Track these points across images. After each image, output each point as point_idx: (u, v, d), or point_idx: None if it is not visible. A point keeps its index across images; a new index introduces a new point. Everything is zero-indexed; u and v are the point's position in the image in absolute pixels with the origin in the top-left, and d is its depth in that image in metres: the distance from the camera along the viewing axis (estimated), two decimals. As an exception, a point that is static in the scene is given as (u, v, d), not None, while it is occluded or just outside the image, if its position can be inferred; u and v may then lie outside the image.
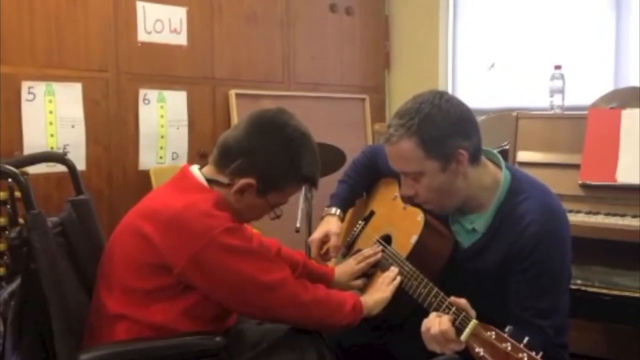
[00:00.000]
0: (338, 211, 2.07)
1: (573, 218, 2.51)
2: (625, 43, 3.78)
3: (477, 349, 1.36)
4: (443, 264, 1.77)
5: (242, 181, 1.62)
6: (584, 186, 2.60)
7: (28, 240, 1.55)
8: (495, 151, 1.81)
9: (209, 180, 1.65)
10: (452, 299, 1.51)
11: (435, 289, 1.63)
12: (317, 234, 2.02)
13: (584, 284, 2.37)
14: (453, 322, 1.45)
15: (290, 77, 4.03)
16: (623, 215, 2.48)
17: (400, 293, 1.76)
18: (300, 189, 1.76)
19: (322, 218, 2.09)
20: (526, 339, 1.32)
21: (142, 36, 3.30)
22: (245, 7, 3.75)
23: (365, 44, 4.46)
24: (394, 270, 1.80)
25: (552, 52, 3.86)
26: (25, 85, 2.89)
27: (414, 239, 1.78)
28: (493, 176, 1.73)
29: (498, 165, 1.76)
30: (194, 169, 1.69)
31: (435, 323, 1.47)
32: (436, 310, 1.56)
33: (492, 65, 4.17)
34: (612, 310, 2.38)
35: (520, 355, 1.29)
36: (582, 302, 2.34)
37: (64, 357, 1.51)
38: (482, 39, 4.30)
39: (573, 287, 2.36)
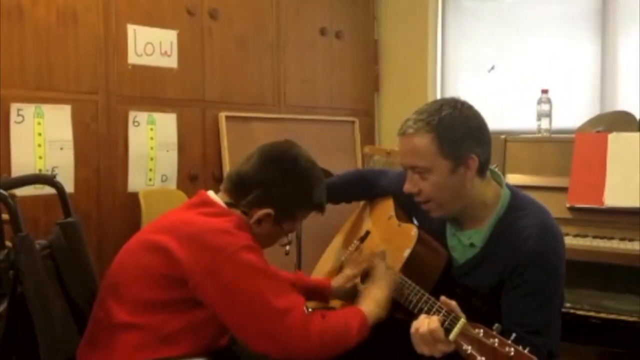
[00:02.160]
0: None
1: (561, 241, 2.52)
2: (612, 67, 3.83)
3: (464, 347, 1.36)
4: (436, 279, 1.77)
5: (261, 212, 1.67)
6: (572, 209, 2.61)
7: (15, 263, 1.53)
8: (497, 170, 1.84)
9: (228, 204, 1.69)
10: (443, 299, 1.52)
11: (426, 295, 1.63)
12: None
13: (573, 307, 2.37)
14: (442, 323, 1.45)
15: (280, 100, 4.04)
16: (611, 238, 2.50)
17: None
18: (312, 213, 1.78)
19: None
20: (513, 335, 1.32)
21: (132, 59, 3.31)
22: (235, 30, 3.77)
23: (355, 68, 4.49)
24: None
25: (539, 76, 3.91)
26: (14, 107, 2.89)
27: (407, 252, 1.80)
28: (494, 192, 1.76)
29: (499, 184, 1.79)
30: (212, 193, 1.74)
31: (424, 323, 1.48)
32: (427, 313, 1.56)
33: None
34: (601, 333, 2.38)
35: (507, 349, 1.29)
36: (571, 325, 2.34)
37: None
38: (471, 62, 4.34)
39: (562, 310, 2.36)
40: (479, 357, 1.33)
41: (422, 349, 1.49)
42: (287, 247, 1.79)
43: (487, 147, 1.73)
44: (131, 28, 3.30)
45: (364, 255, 1.98)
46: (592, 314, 2.36)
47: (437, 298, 1.65)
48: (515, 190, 1.81)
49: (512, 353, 1.28)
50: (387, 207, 2.04)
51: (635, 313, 2.27)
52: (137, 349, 1.56)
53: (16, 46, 2.91)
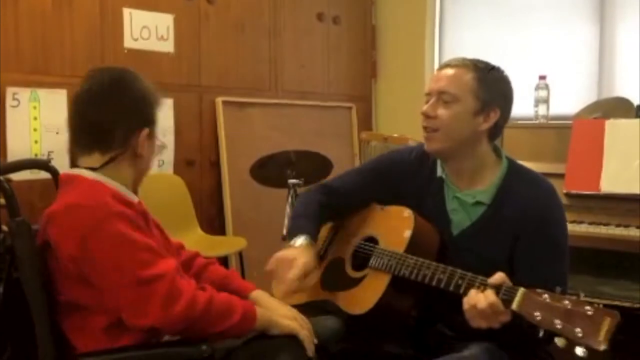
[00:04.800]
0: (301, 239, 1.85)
1: (558, 227, 2.53)
2: (609, 54, 3.82)
3: (534, 314, 1.34)
4: (436, 252, 1.77)
5: (141, 137, 1.61)
6: (569, 195, 2.61)
7: (11, 248, 1.53)
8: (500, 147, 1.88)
9: (99, 168, 1.58)
10: (489, 280, 1.50)
11: (458, 271, 1.59)
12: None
13: (569, 293, 2.38)
14: (497, 295, 1.45)
15: (277, 85, 4.03)
16: (607, 224, 2.50)
17: (403, 287, 1.72)
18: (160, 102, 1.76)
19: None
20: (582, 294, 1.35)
21: (128, 43, 3.29)
22: (232, 15, 3.75)
23: (352, 53, 4.48)
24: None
25: (537, 62, 3.90)
26: (9, 91, 2.87)
27: (407, 233, 1.77)
28: (495, 158, 1.81)
29: (499, 157, 1.84)
30: (77, 171, 1.60)
31: (481, 298, 1.46)
32: (468, 288, 1.53)
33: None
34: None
35: (585, 308, 1.28)
36: (567, 310, 2.35)
37: (47, 366, 1.49)
38: (468, 48, 4.33)
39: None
40: (554, 321, 1.31)
41: (480, 323, 1.48)
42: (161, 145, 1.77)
43: (508, 114, 1.79)
44: (127, 12, 3.28)
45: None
46: (587, 299, 2.37)
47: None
48: (513, 160, 1.86)
49: (591, 310, 1.27)
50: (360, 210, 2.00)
51: (631, 299, 2.28)
52: (104, 332, 1.52)
53: (12, 30, 2.89)
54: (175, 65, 3.49)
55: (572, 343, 1.30)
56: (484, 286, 1.50)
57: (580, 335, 1.28)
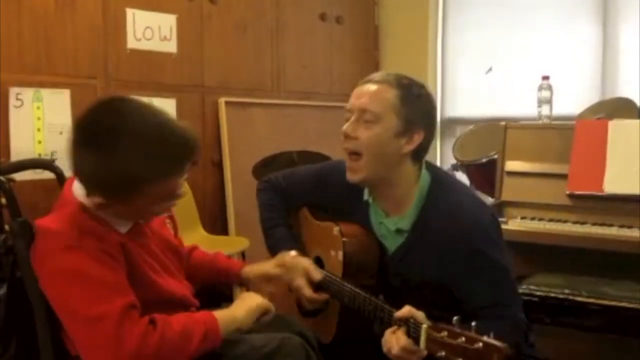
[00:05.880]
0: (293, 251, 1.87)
1: (561, 228, 2.52)
2: (613, 54, 3.81)
3: (438, 352, 1.35)
4: (376, 265, 1.74)
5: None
6: (572, 196, 2.61)
7: (13, 248, 1.53)
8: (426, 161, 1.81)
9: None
10: (396, 314, 1.48)
11: (379, 303, 1.58)
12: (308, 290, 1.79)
13: (572, 293, 2.37)
14: (408, 334, 1.43)
15: (280, 86, 4.03)
16: (610, 225, 2.49)
17: (353, 314, 1.71)
18: (187, 166, 1.49)
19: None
20: (473, 323, 1.30)
21: (131, 43, 3.29)
22: (235, 15, 3.75)
23: (355, 53, 4.47)
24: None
25: (540, 62, 3.89)
26: (13, 91, 2.87)
27: (340, 255, 1.75)
28: (415, 177, 1.73)
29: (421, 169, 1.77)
30: (77, 187, 1.49)
31: (393, 341, 1.45)
32: (387, 324, 1.52)
33: (490, 69, 4.18)
34: (600, 320, 2.39)
35: (475, 345, 1.28)
36: (569, 311, 2.35)
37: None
38: (471, 49, 4.32)
39: (561, 296, 2.37)
40: (456, 359, 1.32)
41: None
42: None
43: (432, 135, 1.72)
44: (130, 12, 3.28)
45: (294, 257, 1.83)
46: (590, 300, 2.36)
47: (379, 292, 1.62)
48: (436, 172, 1.78)
49: (481, 346, 1.28)
50: (303, 211, 2.00)
51: (634, 299, 2.28)
52: None
53: (15, 30, 2.89)
54: (178, 65, 3.49)
55: None
56: (398, 323, 1.46)
57: None
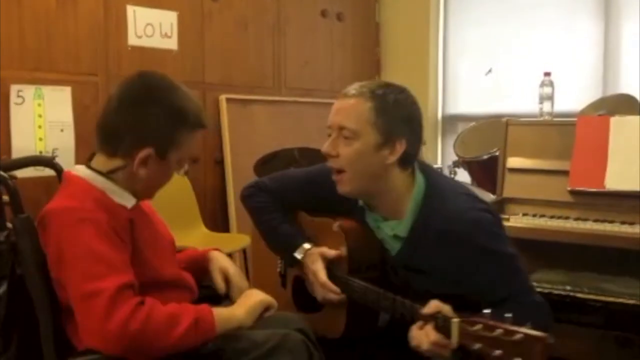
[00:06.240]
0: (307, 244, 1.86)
1: (562, 224, 2.52)
2: (614, 50, 3.81)
3: (473, 347, 1.34)
4: (380, 254, 1.73)
5: (140, 155, 1.54)
6: (573, 193, 2.60)
7: (16, 244, 1.53)
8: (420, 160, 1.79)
9: (105, 173, 1.57)
10: (423, 311, 1.47)
11: (398, 298, 1.57)
12: (322, 274, 1.77)
13: (573, 290, 2.37)
14: (437, 328, 1.42)
15: (280, 82, 4.03)
16: (612, 222, 2.49)
17: (362, 309, 1.70)
18: (196, 133, 1.64)
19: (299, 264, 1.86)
20: (507, 315, 1.30)
21: (132, 40, 3.29)
22: (236, 12, 3.75)
23: (356, 50, 4.47)
24: None
25: (541, 59, 3.88)
26: (14, 88, 2.87)
27: (343, 250, 1.74)
28: (410, 182, 1.72)
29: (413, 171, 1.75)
30: (78, 169, 1.60)
31: (422, 337, 1.44)
32: (411, 319, 1.51)
33: (490, 71, 4.18)
34: (601, 316, 2.39)
35: (515, 337, 1.27)
36: (571, 308, 2.35)
37: (51, 361, 1.49)
38: (472, 46, 4.32)
39: (562, 292, 2.37)
40: (493, 351, 1.31)
41: (430, 355, 1.47)
42: (183, 172, 1.68)
43: (417, 139, 1.69)
44: (131, 9, 3.28)
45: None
46: (591, 296, 2.36)
47: (388, 290, 1.60)
48: (430, 174, 1.76)
49: (521, 337, 1.27)
50: (296, 212, 1.97)
51: (635, 296, 2.28)
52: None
53: (16, 27, 2.89)
54: (179, 62, 3.49)
55: None
56: (422, 319, 1.46)
57: None
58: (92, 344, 1.40)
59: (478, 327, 1.33)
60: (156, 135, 1.55)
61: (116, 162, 1.56)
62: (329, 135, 1.71)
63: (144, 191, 1.62)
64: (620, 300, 2.33)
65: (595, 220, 2.51)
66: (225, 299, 1.74)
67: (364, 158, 1.64)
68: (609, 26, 3.83)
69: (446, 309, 1.44)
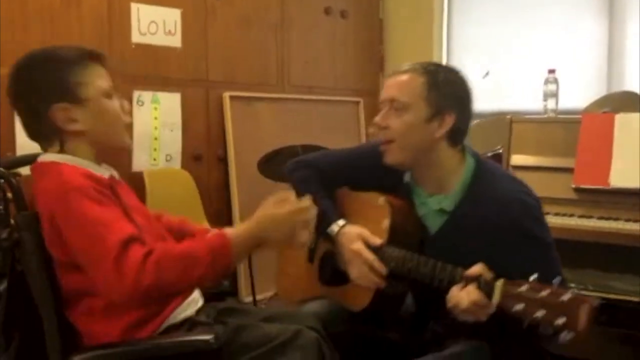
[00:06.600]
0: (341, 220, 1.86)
1: (567, 222, 2.52)
2: (619, 47, 3.79)
3: (516, 307, 1.35)
4: (419, 240, 1.74)
5: (58, 115, 1.55)
6: (578, 190, 2.60)
7: (18, 241, 1.53)
8: (468, 144, 1.82)
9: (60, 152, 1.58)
10: (467, 272, 1.51)
11: (440, 263, 1.60)
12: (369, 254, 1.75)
13: (577, 287, 2.37)
14: (479, 288, 1.46)
15: (284, 80, 4.03)
16: (616, 219, 2.49)
17: (389, 292, 1.71)
18: (91, 64, 1.64)
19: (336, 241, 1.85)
20: (555, 280, 1.33)
21: (136, 37, 3.29)
22: (239, 9, 3.75)
23: (360, 48, 4.46)
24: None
25: (545, 56, 3.87)
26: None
27: (386, 223, 1.74)
28: (459, 161, 1.76)
29: (465, 155, 1.78)
30: (46, 156, 1.60)
31: (463, 296, 1.47)
32: (450, 283, 1.54)
33: (487, 74, 4.18)
34: (606, 313, 2.38)
35: (562, 298, 1.28)
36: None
37: (55, 358, 1.49)
38: (476, 43, 4.31)
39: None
40: (536, 311, 1.32)
41: (466, 317, 1.50)
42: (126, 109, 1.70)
43: (467, 116, 1.74)
44: (135, 6, 3.28)
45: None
46: (596, 294, 2.35)
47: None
48: (482, 160, 1.79)
49: (568, 299, 1.28)
50: (343, 190, 1.96)
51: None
52: (104, 312, 1.52)
53: (20, 24, 2.89)
54: (183, 60, 3.49)
55: (555, 331, 1.32)
56: (464, 281, 1.50)
57: (561, 323, 1.30)
58: (117, 302, 1.43)
59: (523, 288, 1.36)
60: (53, 91, 1.54)
61: (56, 142, 1.57)
62: (383, 106, 1.75)
63: (107, 141, 1.61)
64: (625, 297, 2.33)
65: (600, 218, 2.51)
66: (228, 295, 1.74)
67: (413, 129, 1.69)
68: (613, 23, 3.82)
69: (489, 274, 1.49)
